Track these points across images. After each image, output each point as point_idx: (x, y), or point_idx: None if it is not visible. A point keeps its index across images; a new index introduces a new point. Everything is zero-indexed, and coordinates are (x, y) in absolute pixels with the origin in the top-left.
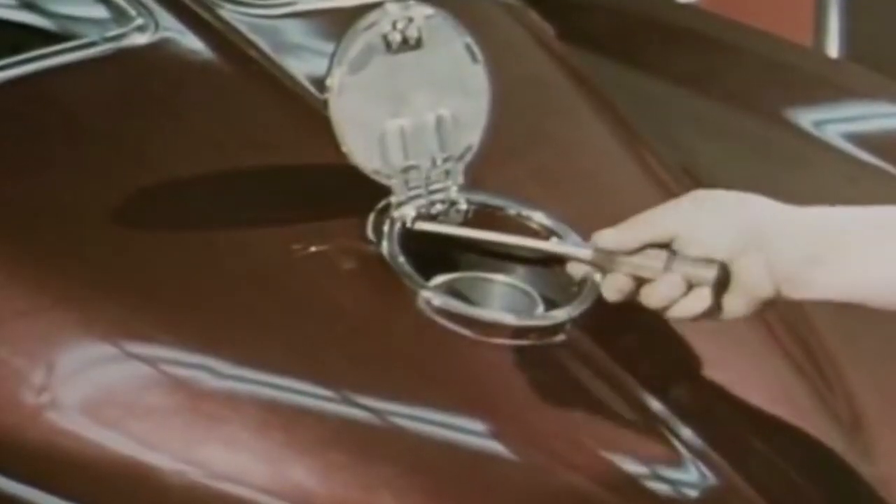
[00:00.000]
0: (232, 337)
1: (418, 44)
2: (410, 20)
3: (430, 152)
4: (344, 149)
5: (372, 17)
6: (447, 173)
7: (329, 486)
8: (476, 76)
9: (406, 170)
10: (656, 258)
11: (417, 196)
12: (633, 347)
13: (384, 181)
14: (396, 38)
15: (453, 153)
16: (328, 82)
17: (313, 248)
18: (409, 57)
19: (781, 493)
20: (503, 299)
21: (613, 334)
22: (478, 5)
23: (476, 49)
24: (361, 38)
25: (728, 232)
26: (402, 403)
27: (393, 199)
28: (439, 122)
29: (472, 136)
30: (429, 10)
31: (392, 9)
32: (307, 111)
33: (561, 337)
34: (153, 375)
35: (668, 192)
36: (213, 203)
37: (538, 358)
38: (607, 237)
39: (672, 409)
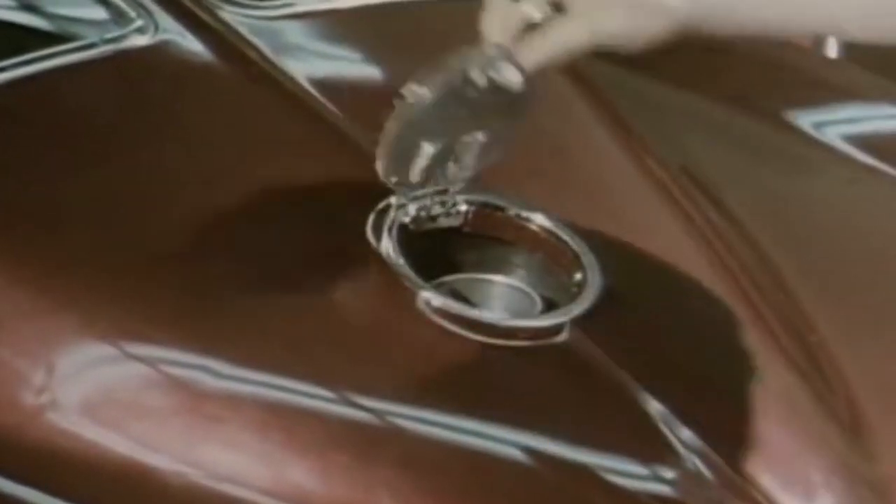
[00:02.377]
0: (232, 337)
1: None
2: (503, 73)
3: (447, 168)
4: (378, 157)
5: (476, 60)
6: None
7: (329, 486)
8: (522, 105)
9: (420, 182)
10: None
11: (418, 198)
12: (632, 348)
13: (392, 186)
14: (483, 82)
15: (468, 170)
16: (410, 93)
17: (313, 249)
18: (482, 92)
19: (781, 493)
20: (503, 300)
21: (613, 334)
22: (478, 6)
23: (535, 83)
24: (457, 74)
25: None
26: (402, 403)
27: (393, 200)
28: (470, 144)
29: (491, 157)
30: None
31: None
32: (307, 112)
33: (561, 337)
34: (153, 376)
35: (667, 192)
36: (213, 204)
37: (538, 358)
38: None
39: (671, 410)
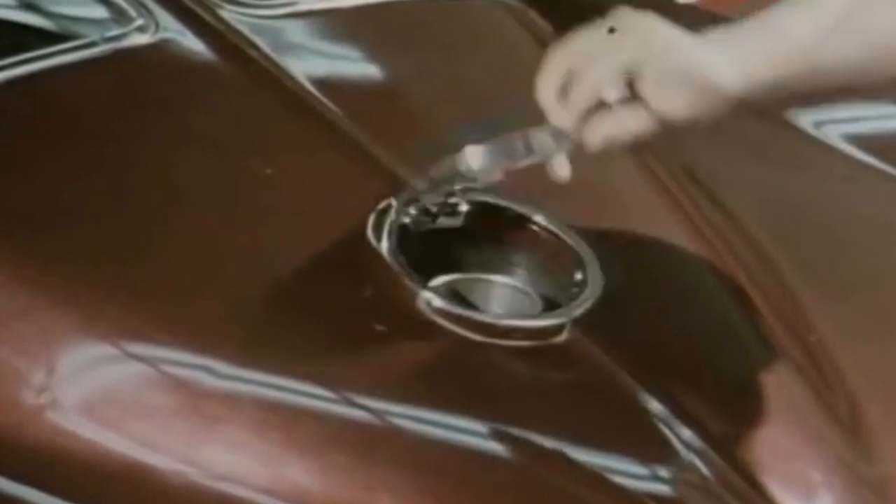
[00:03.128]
0: (232, 337)
1: None
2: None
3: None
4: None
5: (537, 140)
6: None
7: (328, 486)
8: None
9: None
10: None
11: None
12: (632, 348)
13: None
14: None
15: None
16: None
17: (313, 249)
18: None
19: (781, 493)
20: (503, 300)
21: (613, 334)
22: (478, 5)
23: None
24: (513, 146)
25: None
26: (402, 403)
27: (393, 200)
28: None
29: None
30: None
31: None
32: (307, 111)
33: (561, 337)
34: (153, 375)
35: (667, 192)
36: (213, 203)
37: (538, 358)
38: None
39: (671, 409)
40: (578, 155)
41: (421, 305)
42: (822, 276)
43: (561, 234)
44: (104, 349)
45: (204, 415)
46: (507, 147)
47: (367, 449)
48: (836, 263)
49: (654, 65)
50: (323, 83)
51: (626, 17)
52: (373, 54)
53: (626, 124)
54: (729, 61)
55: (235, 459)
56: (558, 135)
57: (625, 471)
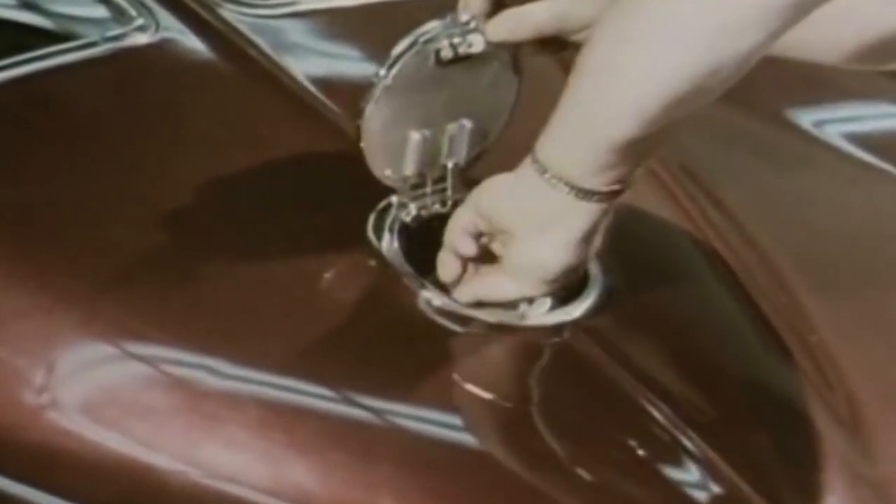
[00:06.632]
0: (232, 337)
1: (468, 58)
2: (467, 40)
3: (440, 159)
4: (367, 159)
5: (432, 30)
6: (450, 174)
7: (329, 485)
8: (508, 88)
9: (415, 176)
10: None
11: (419, 196)
12: (633, 348)
13: (389, 183)
14: (449, 54)
15: (460, 160)
16: (372, 86)
17: (313, 248)
18: (454, 69)
19: (782, 494)
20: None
21: (614, 335)
22: None
23: (520, 63)
24: (416, 50)
25: None
26: (402, 403)
27: (394, 200)
28: (458, 131)
29: (482, 144)
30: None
31: (454, 28)
32: (308, 111)
33: (561, 337)
34: (153, 375)
35: (667, 191)
36: (213, 203)
37: (539, 358)
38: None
39: (672, 410)
40: None
41: (421, 305)
42: (823, 275)
43: None
44: (104, 349)
45: (204, 414)
46: (416, 56)
47: (369, 448)
48: (837, 263)
49: None
50: (323, 83)
51: None
52: (374, 54)
53: (527, 17)
54: None
55: (236, 459)
56: (461, 29)
57: (626, 471)
